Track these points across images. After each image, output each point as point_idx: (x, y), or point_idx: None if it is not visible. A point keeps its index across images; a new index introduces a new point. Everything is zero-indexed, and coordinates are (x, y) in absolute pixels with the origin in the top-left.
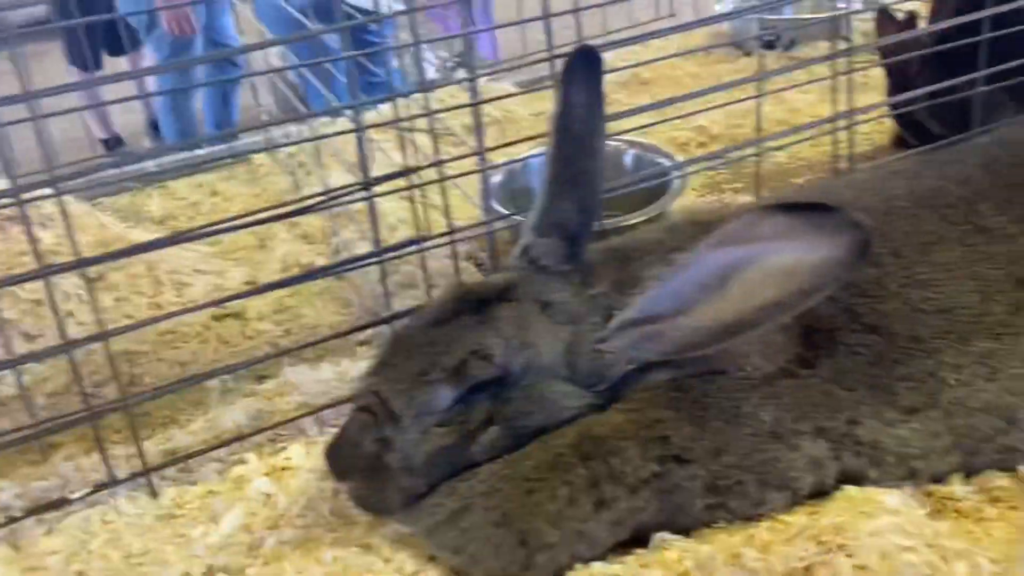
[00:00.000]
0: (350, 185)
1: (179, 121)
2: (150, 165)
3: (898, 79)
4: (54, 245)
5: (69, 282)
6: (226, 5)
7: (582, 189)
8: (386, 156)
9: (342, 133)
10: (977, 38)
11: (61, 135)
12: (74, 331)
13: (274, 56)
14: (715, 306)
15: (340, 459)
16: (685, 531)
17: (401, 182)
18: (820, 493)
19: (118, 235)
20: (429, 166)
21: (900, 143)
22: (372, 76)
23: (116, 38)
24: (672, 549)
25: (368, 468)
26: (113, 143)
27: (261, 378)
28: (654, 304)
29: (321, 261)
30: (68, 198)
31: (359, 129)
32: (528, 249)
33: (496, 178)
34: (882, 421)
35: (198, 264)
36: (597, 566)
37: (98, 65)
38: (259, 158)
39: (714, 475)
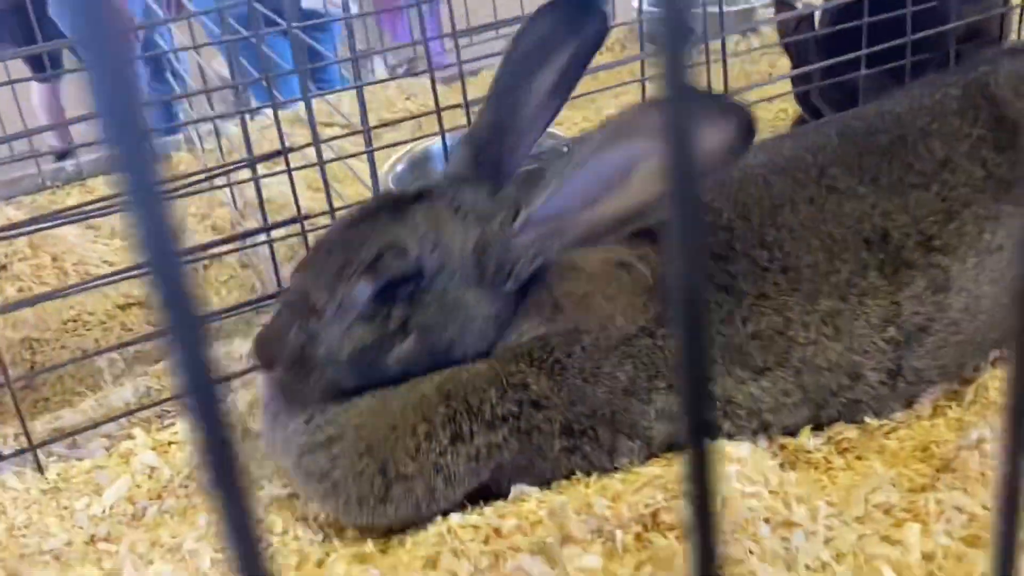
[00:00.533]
0: (236, 162)
1: None
2: (68, 165)
3: (798, 63)
4: None
5: None
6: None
7: (513, 124)
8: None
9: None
10: (858, 22)
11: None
12: None
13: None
14: (619, 197)
15: (266, 349)
16: (546, 481)
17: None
18: (673, 446)
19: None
20: (306, 146)
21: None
22: (320, 83)
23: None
24: (529, 500)
25: (294, 360)
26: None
27: (158, 362)
28: (558, 199)
29: (229, 253)
30: None
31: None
32: (449, 167)
33: (400, 166)
34: (735, 379)
35: (107, 256)
36: (455, 517)
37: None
38: (178, 156)
39: (569, 420)
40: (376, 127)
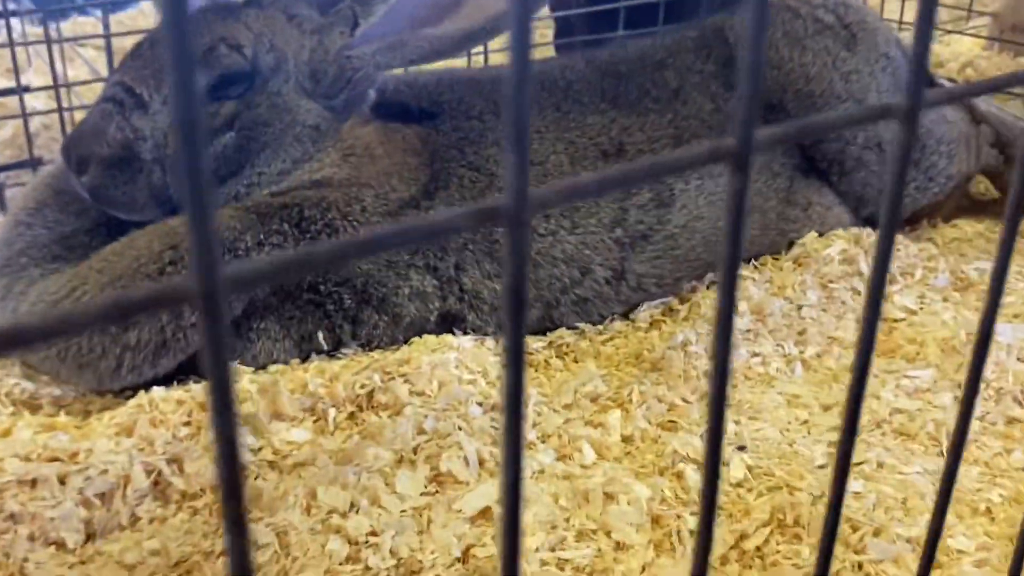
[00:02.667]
0: None
1: None
2: None
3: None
4: None
5: None
6: None
7: None
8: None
9: None
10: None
11: None
12: None
13: None
14: (453, 19)
15: (81, 147)
16: (293, 327)
17: None
18: (421, 330)
19: None
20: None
21: None
22: None
23: None
24: (242, 379)
25: (114, 159)
26: None
27: None
28: (398, 17)
29: None
30: None
31: None
32: None
33: None
34: (482, 273)
35: None
36: (157, 390)
37: None
38: None
39: (317, 281)
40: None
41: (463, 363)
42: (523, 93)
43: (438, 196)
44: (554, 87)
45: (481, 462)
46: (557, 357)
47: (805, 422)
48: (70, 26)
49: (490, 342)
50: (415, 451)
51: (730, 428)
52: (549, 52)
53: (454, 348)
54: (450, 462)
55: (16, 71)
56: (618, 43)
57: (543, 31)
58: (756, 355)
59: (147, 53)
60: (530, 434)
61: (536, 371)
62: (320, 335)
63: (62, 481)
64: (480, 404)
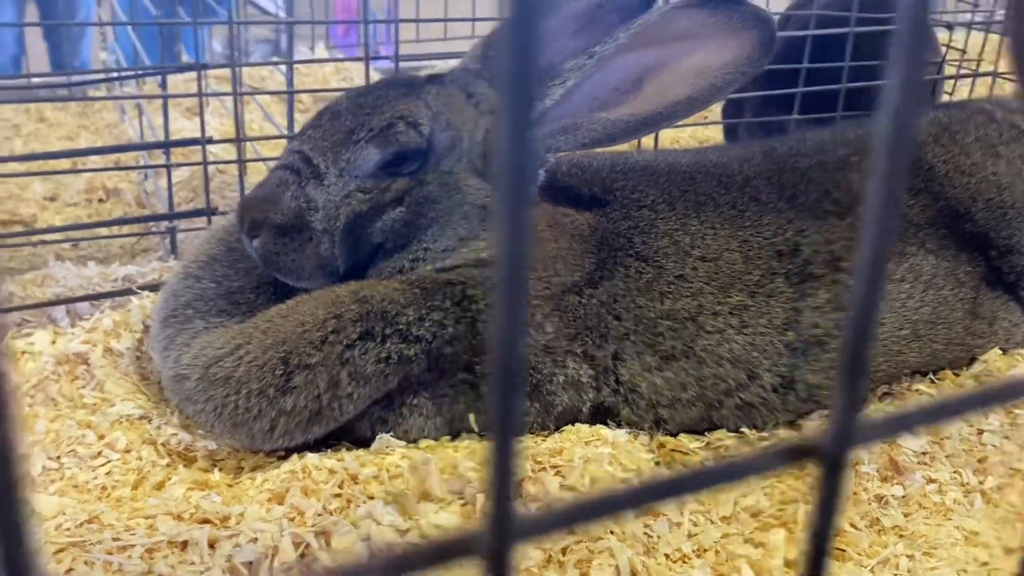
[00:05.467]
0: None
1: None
2: None
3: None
4: None
5: None
6: None
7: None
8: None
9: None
10: (796, 65)
11: None
12: None
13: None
14: (631, 103)
15: (255, 211)
16: (446, 405)
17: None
18: (572, 419)
19: None
20: (227, 141)
21: None
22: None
23: None
24: (393, 453)
25: (287, 225)
26: None
27: None
28: (573, 98)
29: (127, 187)
30: None
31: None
32: (462, 61)
33: None
34: (642, 365)
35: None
36: (311, 457)
37: None
38: (95, 93)
39: (474, 362)
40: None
41: (616, 459)
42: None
43: (602, 285)
44: (731, 182)
45: (633, 573)
46: (714, 461)
47: (985, 564)
48: (247, 70)
49: (644, 438)
50: (564, 552)
51: (903, 563)
52: (717, 131)
53: (608, 442)
54: (600, 571)
55: (202, 122)
56: (797, 134)
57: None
58: (932, 481)
59: (327, 124)
60: (684, 545)
61: None
62: (472, 417)
63: (212, 546)
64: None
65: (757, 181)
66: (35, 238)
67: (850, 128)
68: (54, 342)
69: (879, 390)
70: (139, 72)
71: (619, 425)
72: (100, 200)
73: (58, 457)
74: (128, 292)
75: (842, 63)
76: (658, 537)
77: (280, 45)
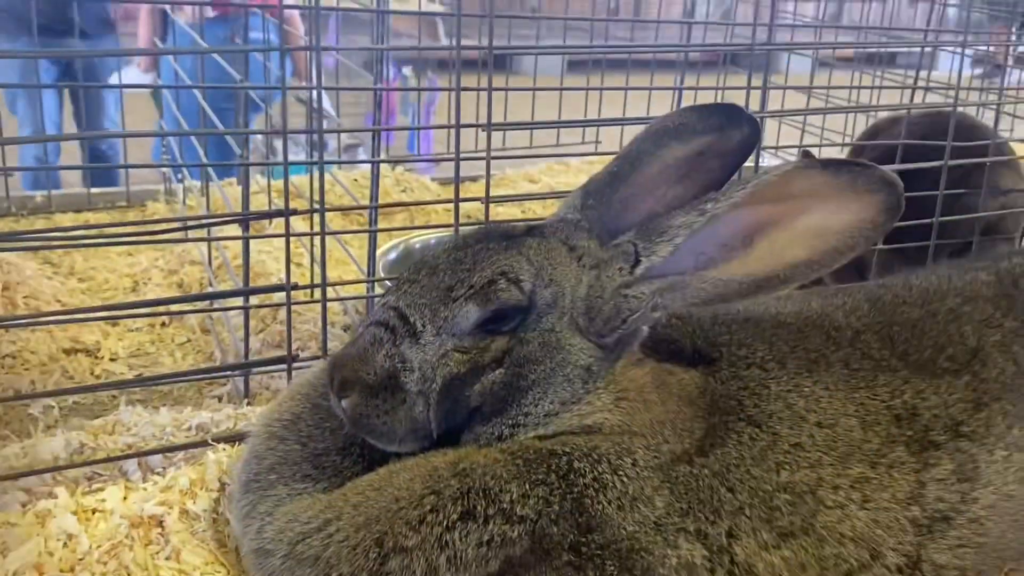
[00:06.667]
0: (227, 218)
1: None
2: (38, 196)
3: None
4: None
5: None
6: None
7: (632, 179)
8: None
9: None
10: None
11: None
12: None
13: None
14: (743, 262)
15: (346, 370)
16: None
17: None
18: None
19: None
20: (308, 211)
21: None
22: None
23: None
24: None
25: (379, 386)
26: None
27: (97, 418)
28: (682, 255)
29: (196, 312)
30: None
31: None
32: (560, 210)
33: (392, 255)
34: (758, 543)
35: (60, 295)
36: None
37: None
38: (153, 205)
39: (580, 543)
40: (384, 206)
41: None
42: None
43: (713, 454)
44: (841, 337)
45: None
46: None
47: None
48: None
49: None
50: None
51: None
52: None
53: None
54: None
55: (288, 268)
56: (899, 277)
57: None
58: None
59: (424, 280)
60: None
61: None
62: None
63: None
64: None
65: (867, 335)
66: (98, 370)
67: (954, 273)
68: (125, 498)
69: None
70: (218, 219)
71: None
72: (163, 324)
73: None
74: (203, 444)
75: (929, 191)
76: None
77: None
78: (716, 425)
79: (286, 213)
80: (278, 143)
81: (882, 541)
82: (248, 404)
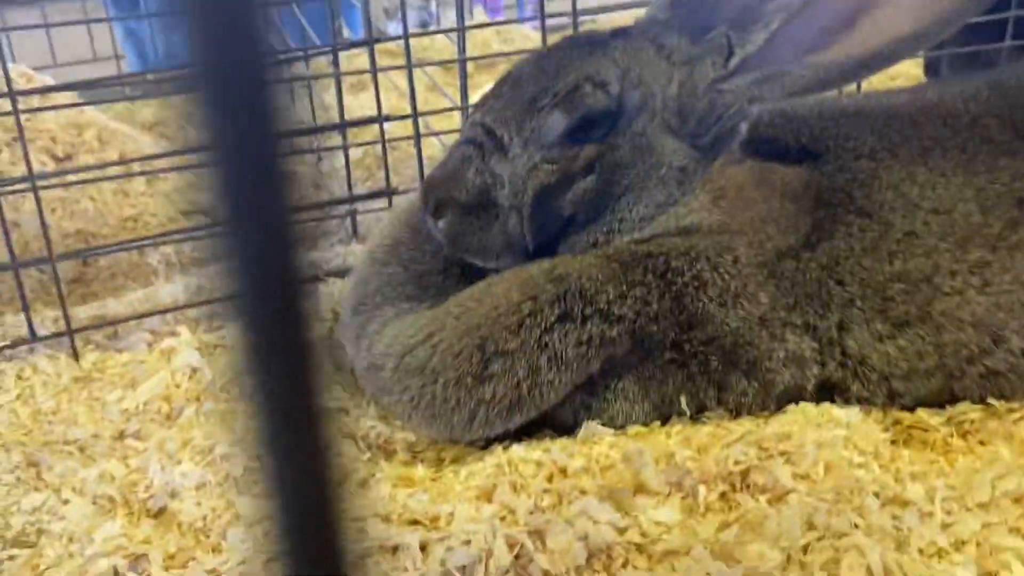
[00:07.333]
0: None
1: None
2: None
3: None
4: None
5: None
6: None
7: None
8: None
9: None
10: None
11: None
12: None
13: None
14: (844, 44)
15: (439, 191)
16: (652, 386)
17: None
18: (795, 398)
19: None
20: (403, 117)
21: None
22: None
23: None
24: (601, 443)
25: (472, 204)
26: None
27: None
28: (778, 42)
29: (302, 169)
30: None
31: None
32: (648, 10)
33: None
34: (871, 334)
35: (176, 163)
36: (516, 449)
37: None
38: None
39: (681, 340)
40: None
41: (851, 441)
42: None
43: (821, 247)
44: (958, 123)
45: (887, 572)
46: (959, 437)
47: None
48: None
49: (877, 414)
50: (805, 551)
51: None
52: (910, 65)
53: (840, 423)
54: (851, 571)
55: (378, 99)
56: (1020, 64)
57: None
58: None
59: (508, 93)
60: (940, 537)
61: (934, 452)
62: (683, 399)
63: (423, 549)
64: (876, 495)
65: (987, 119)
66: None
67: None
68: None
69: None
70: (309, 51)
71: (847, 402)
72: None
73: (259, 457)
74: (314, 279)
75: None
76: (908, 530)
77: (430, 11)
78: (823, 219)
79: (370, 41)
80: None
81: (1004, 325)
82: (356, 242)
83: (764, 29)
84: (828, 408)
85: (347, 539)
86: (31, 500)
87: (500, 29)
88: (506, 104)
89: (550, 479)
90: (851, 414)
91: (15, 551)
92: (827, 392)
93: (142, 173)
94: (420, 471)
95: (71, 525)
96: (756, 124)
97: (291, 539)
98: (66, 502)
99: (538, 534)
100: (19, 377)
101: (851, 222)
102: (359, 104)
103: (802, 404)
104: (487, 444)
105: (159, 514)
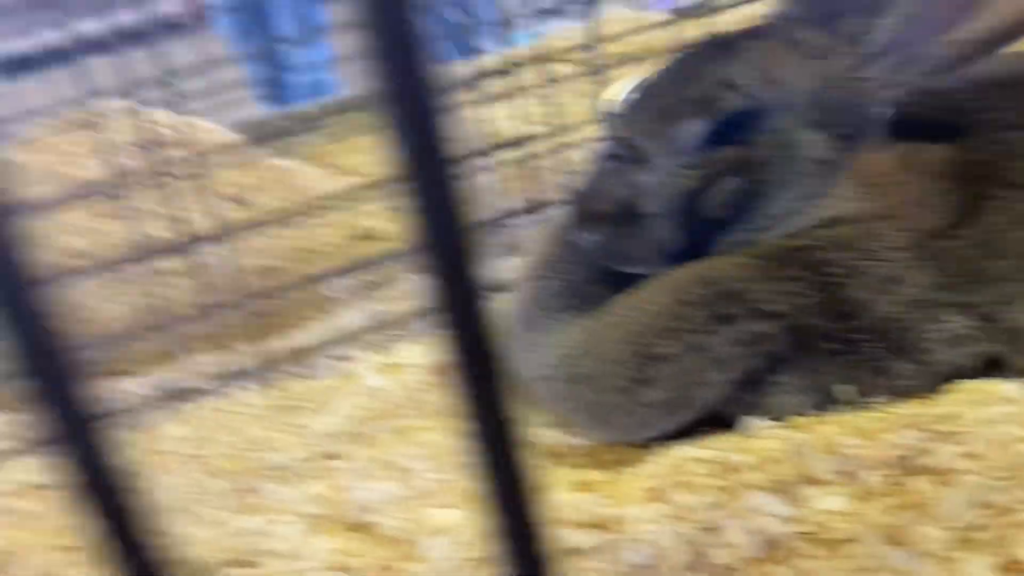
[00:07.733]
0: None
1: None
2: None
3: None
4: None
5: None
6: None
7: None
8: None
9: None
10: None
11: None
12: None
13: None
14: (980, 17)
15: (584, 205)
16: (816, 376)
17: None
18: (957, 377)
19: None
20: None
21: None
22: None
23: None
24: (763, 437)
25: (619, 215)
26: None
27: None
28: (911, 23)
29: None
30: None
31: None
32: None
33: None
34: None
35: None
36: (685, 447)
37: None
38: None
39: (840, 331)
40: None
41: (1016, 418)
42: None
43: (971, 224)
44: None
45: None
46: None
47: None
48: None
49: None
50: (975, 530)
51: None
52: None
53: (1005, 399)
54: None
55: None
56: None
57: None
58: None
59: (644, 102)
60: None
61: None
62: (843, 388)
63: (601, 550)
64: None
65: None
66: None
67: None
68: (422, 352)
69: None
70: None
71: (1012, 377)
72: None
73: (441, 469)
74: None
75: None
76: None
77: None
78: (971, 195)
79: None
80: None
81: None
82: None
83: (896, 12)
84: (993, 384)
85: (545, 544)
86: (241, 522)
87: (637, 19)
88: (643, 114)
89: (719, 475)
90: (1013, 390)
91: (234, 570)
92: (990, 369)
93: (321, 207)
94: (593, 475)
95: (284, 543)
96: (897, 107)
97: (496, 545)
98: (276, 523)
99: (712, 530)
100: (222, 411)
101: (1004, 197)
102: (494, 116)
103: (966, 382)
104: (655, 445)
105: (362, 528)
